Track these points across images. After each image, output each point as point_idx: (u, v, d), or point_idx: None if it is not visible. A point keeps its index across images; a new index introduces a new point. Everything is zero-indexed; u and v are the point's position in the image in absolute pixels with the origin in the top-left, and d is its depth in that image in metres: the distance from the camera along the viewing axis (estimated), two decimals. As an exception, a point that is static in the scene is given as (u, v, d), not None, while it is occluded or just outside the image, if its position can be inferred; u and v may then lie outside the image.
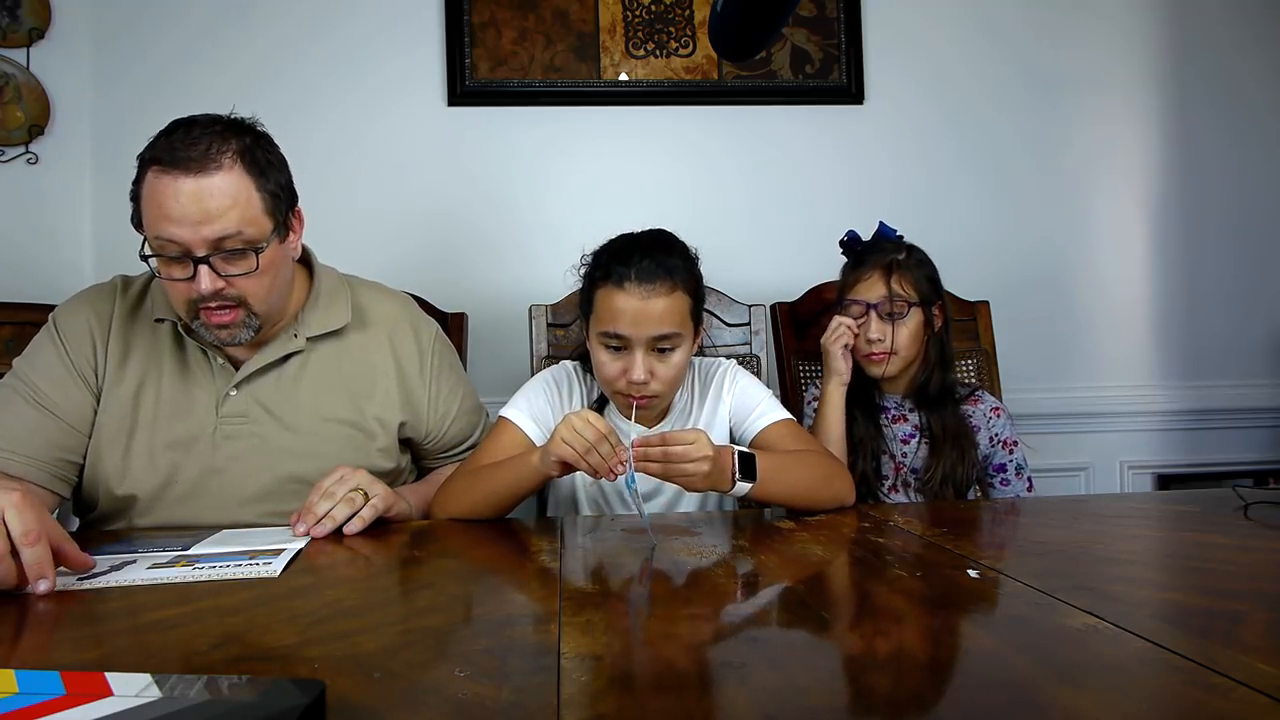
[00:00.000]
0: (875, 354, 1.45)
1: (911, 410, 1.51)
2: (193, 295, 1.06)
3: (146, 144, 1.07)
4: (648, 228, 1.29)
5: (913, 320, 1.45)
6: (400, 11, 2.01)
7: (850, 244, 1.55)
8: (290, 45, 1.99)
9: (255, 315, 1.11)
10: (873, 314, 1.44)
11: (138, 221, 1.08)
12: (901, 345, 1.44)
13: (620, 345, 1.19)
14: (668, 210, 2.04)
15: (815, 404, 1.51)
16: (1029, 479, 1.51)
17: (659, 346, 1.19)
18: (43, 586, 0.77)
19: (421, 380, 1.30)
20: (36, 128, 1.90)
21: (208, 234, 1.03)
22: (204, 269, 1.04)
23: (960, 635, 0.66)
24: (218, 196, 1.03)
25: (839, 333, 1.45)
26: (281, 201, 1.12)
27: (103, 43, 1.95)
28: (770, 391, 1.35)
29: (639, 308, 1.17)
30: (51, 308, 1.22)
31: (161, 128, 1.08)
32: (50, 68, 1.92)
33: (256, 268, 1.07)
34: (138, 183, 1.07)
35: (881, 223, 1.53)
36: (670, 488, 1.30)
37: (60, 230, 1.93)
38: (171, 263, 1.05)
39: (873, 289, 1.45)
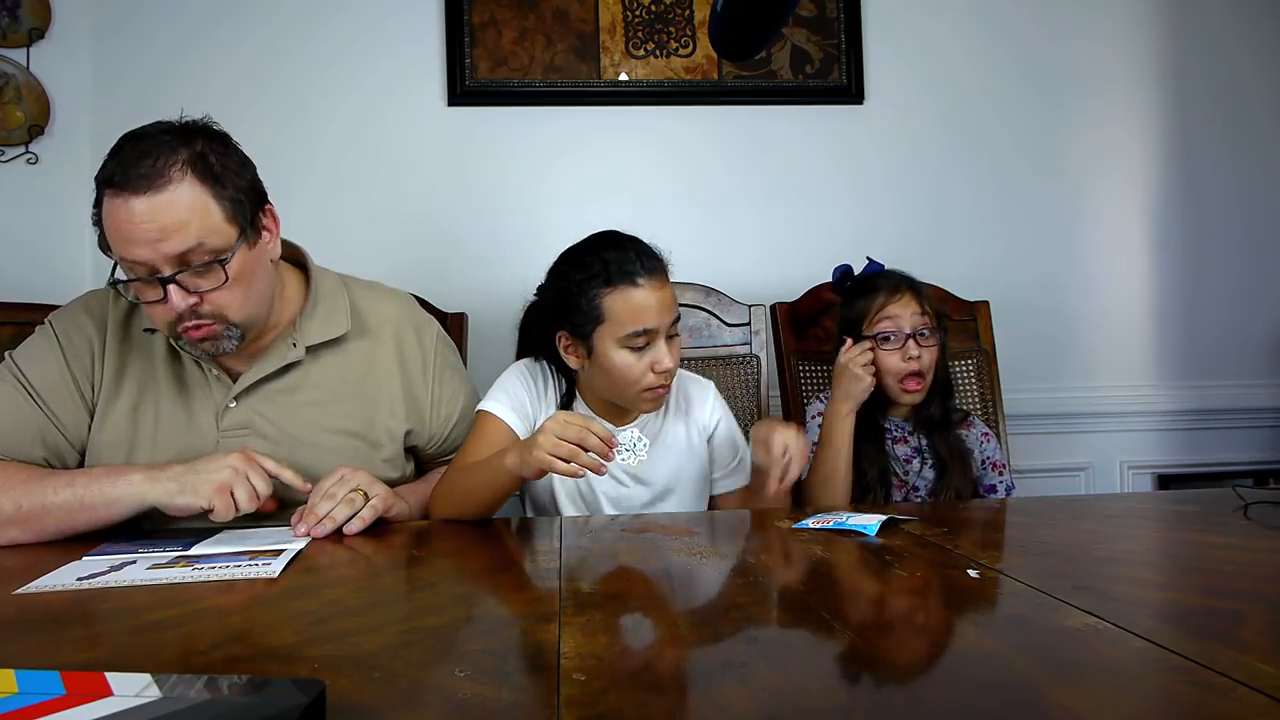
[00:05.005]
0: (913, 378, 1.42)
1: (911, 433, 1.52)
2: (170, 315, 1.04)
3: (100, 164, 1.03)
4: (595, 230, 1.29)
5: (938, 342, 1.46)
6: (399, 11, 2.01)
7: (845, 276, 1.54)
8: (289, 45, 1.98)
9: (234, 325, 1.08)
10: (911, 338, 1.42)
11: (105, 245, 1.04)
12: (934, 366, 1.45)
13: (646, 342, 1.20)
14: (667, 209, 2.06)
15: (820, 419, 1.48)
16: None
17: (670, 333, 1.22)
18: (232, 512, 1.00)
19: (424, 382, 1.28)
20: (36, 128, 1.90)
21: (168, 251, 1.00)
22: (172, 288, 1.01)
23: (960, 635, 0.66)
24: (171, 211, 0.99)
25: (865, 357, 1.40)
26: (245, 205, 1.06)
27: (102, 42, 1.95)
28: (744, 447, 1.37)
29: (659, 297, 1.20)
30: (51, 308, 1.20)
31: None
32: (50, 68, 1.91)
33: (226, 279, 1.03)
34: (98, 206, 1.03)
35: (869, 258, 1.53)
36: (658, 484, 1.30)
37: (60, 230, 1.93)
38: (142, 285, 1.03)
39: (908, 308, 1.43)
